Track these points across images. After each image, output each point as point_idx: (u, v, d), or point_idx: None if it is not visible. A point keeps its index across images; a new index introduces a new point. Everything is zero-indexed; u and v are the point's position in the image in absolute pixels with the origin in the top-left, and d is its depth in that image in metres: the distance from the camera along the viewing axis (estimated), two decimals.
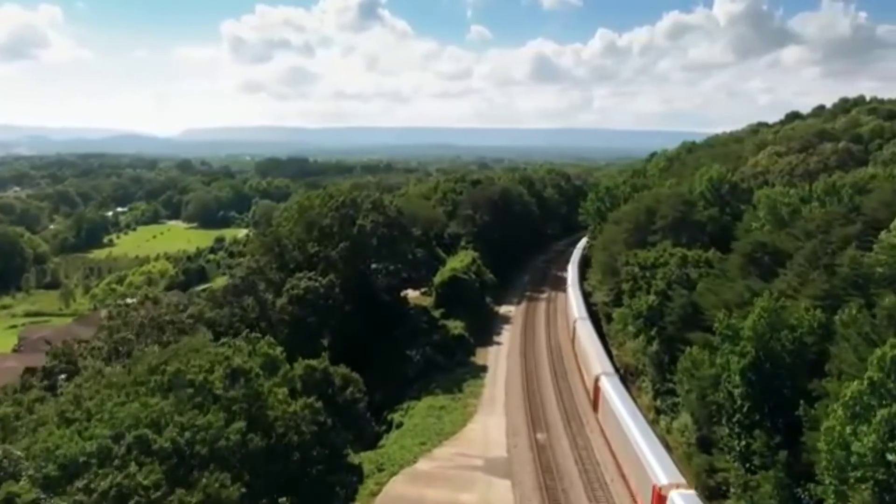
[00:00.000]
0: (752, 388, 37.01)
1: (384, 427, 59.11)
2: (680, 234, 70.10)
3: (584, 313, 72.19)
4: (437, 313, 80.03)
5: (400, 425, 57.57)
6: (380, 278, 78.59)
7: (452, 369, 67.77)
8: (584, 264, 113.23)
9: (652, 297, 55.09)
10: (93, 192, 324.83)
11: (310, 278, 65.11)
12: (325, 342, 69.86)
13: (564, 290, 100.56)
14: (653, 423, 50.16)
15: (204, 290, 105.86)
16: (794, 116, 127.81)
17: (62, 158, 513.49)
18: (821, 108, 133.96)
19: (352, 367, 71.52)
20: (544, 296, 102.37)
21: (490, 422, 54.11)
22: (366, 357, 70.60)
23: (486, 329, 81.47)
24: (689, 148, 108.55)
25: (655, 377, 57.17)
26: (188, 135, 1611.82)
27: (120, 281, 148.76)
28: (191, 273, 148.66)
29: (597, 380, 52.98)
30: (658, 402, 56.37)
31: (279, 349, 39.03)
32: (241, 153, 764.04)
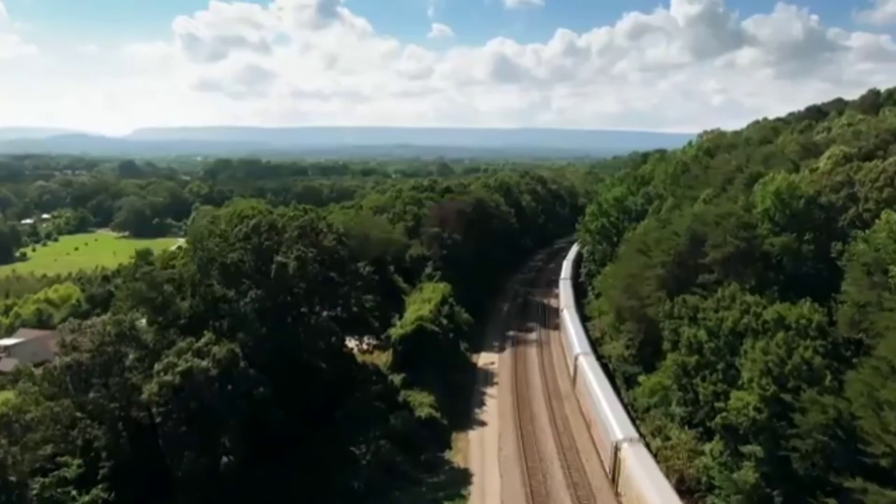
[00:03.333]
0: None
1: None
2: (743, 273, 49.05)
3: (632, 429, 43.12)
4: (396, 379, 57.54)
5: None
6: (318, 324, 55.16)
7: (419, 479, 45.59)
8: (579, 294, 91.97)
9: (755, 403, 33.16)
10: (15, 198, 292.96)
11: (197, 351, 41.91)
12: (227, 441, 46.75)
13: (557, 328, 79.77)
14: None
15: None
16: (816, 111, 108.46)
17: None
18: (839, 100, 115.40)
19: (267, 476, 49.57)
20: (533, 336, 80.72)
21: None
22: (291, 458, 47.88)
23: (463, 398, 59.36)
24: (708, 150, 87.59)
25: None
26: (140, 134, 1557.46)
27: (7, 311, 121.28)
28: (96, 300, 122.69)
29: None
30: None
31: None
32: (194, 153, 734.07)
